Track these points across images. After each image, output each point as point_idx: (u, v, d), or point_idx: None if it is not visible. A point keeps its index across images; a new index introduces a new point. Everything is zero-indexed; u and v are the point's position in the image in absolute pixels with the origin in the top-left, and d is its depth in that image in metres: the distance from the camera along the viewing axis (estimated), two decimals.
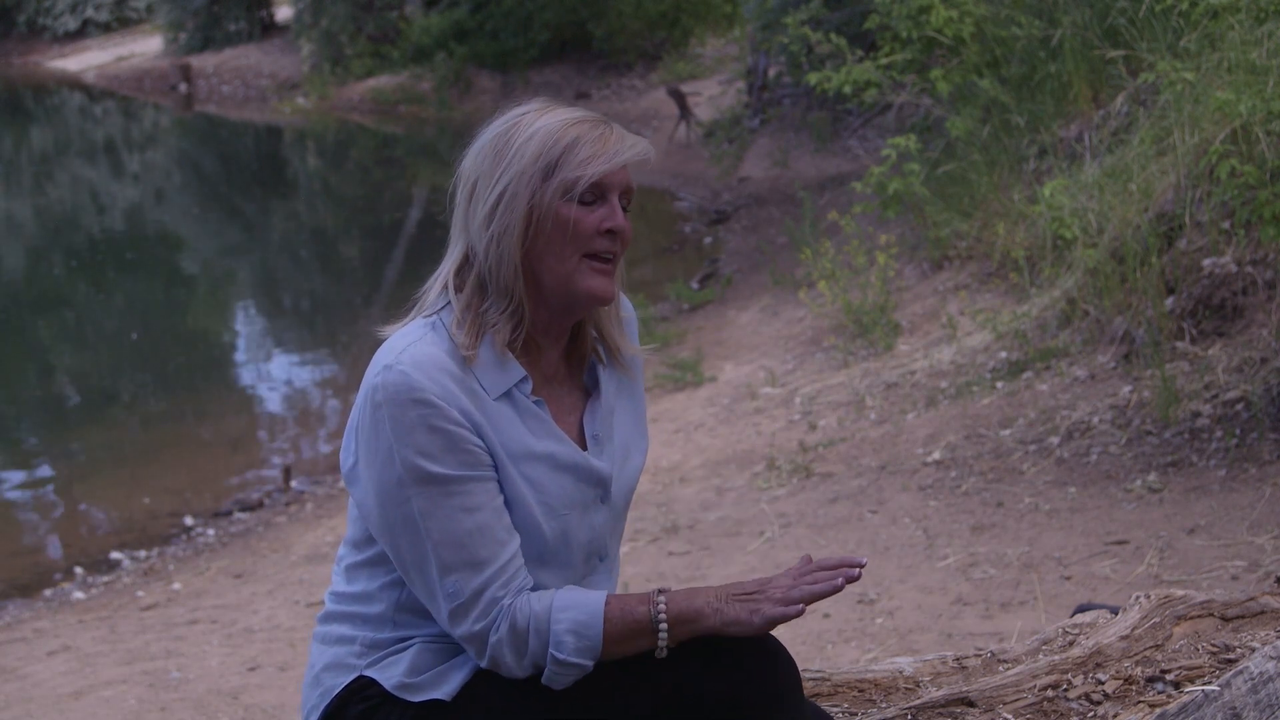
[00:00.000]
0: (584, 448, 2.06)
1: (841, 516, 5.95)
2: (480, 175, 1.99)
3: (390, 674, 1.99)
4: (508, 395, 1.98)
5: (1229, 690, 2.36)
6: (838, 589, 1.95)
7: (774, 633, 2.00)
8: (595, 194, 1.98)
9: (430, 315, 2.00)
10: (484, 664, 1.96)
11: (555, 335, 2.06)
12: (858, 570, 1.96)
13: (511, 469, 1.97)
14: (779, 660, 1.96)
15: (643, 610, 1.94)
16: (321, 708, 2.04)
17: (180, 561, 7.62)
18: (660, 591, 1.96)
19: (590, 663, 1.93)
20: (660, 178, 17.20)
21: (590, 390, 2.11)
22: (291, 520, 8.15)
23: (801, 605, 1.94)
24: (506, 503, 1.97)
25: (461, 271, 2.01)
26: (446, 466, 1.91)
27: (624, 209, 2.01)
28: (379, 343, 2.03)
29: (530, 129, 1.98)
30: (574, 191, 1.96)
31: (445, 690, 1.98)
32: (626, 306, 2.15)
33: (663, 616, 1.93)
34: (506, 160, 1.97)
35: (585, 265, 1.98)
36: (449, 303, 2.00)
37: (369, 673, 2.01)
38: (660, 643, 1.93)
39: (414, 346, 1.95)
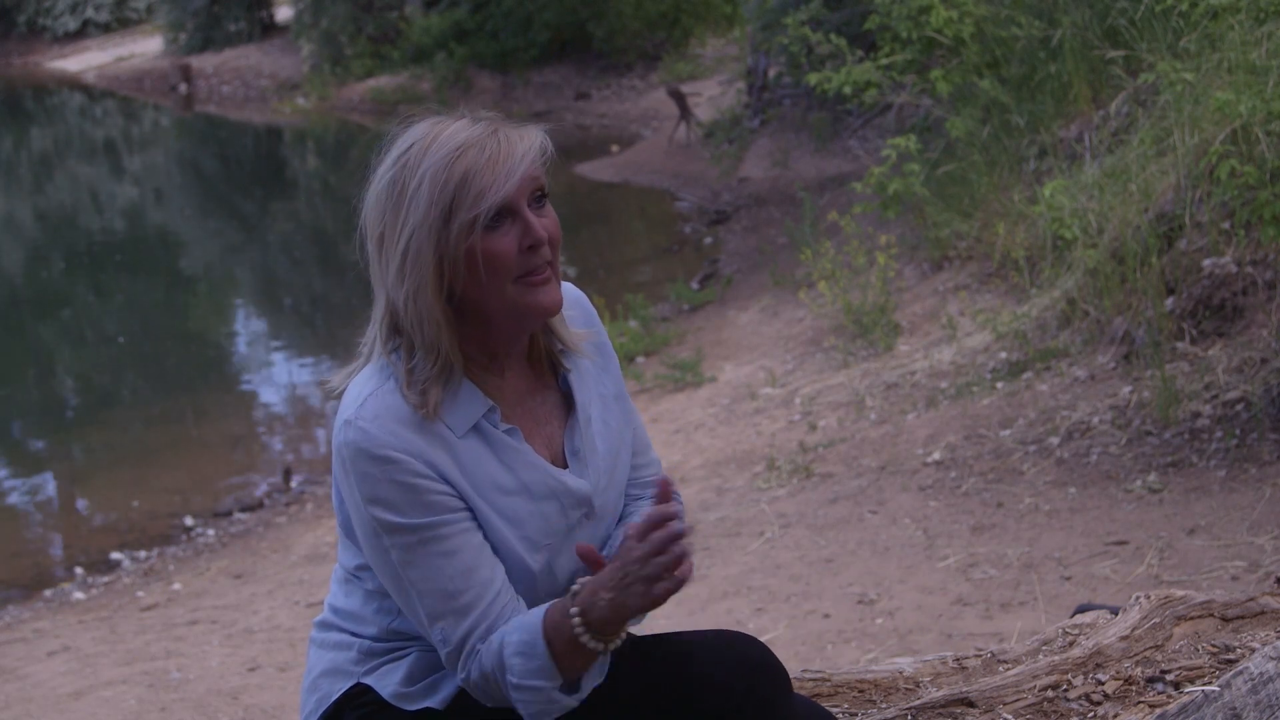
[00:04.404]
0: (565, 463, 2.02)
1: (841, 516, 5.95)
2: (384, 228, 1.90)
3: (387, 682, 1.99)
4: (475, 429, 1.93)
5: (1229, 691, 2.36)
6: (681, 560, 1.81)
7: (769, 639, 1.99)
8: (503, 214, 1.87)
9: (381, 360, 1.94)
10: (489, 704, 1.93)
11: (518, 349, 2.01)
12: (680, 526, 1.81)
13: (487, 509, 1.93)
14: (767, 669, 1.95)
15: (568, 624, 1.86)
16: (319, 713, 2.03)
17: (180, 562, 7.62)
18: (574, 593, 1.86)
19: (546, 683, 1.86)
20: (660, 178, 17.20)
21: (564, 392, 2.06)
22: (291, 520, 8.15)
23: (682, 577, 1.82)
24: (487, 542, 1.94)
25: (392, 323, 1.94)
26: (414, 516, 1.88)
27: (540, 202, 1.91)
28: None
29: (418, 173, 1.87)
30: (477, 227, 1.86)
31: (438, 699, 1.97)
32: (568, 293, 2.05)
33: (581, 629, 1.85)
34: (404, 212, 1.88)
35: (522, 286, 1.90)
36: (396, 349, 1.94)
37: (366, 680, 2.00)
38: (597, 650, 1.86)
39: (372, 398, 1.91)
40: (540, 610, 1.90)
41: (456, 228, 1.86)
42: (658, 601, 1.83)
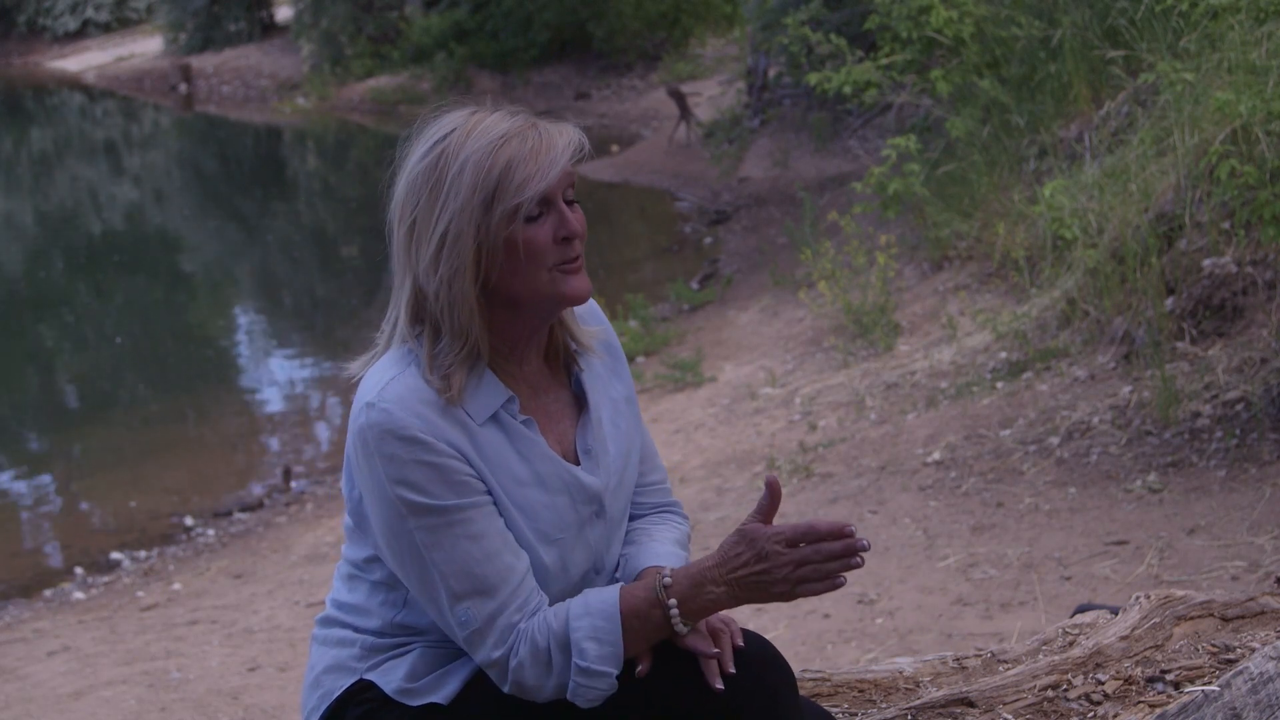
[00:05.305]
0: (577, 460, 2.04)
1: (841, 517, 5.94)
2: (418, 213, 1.92)
3: (391, 678, 1.99)
4: (494, 418, 1.95)
5: (1229, 690, 2.36)
6: (839, 585, 1.91)
7: (769, 639, 2.00)
8: (541, 206, 1.92)
9: (402, 347, 1.96)
10: (508, 689, 1.93)
11: (537, 341, 2.03)
12: (860, 557, 1.90)
13: (503, 496, 1.94)
14: (773, 665, 1.96)
15: (658, 614, 1.92)
16: (321, 710, 2.04)
17: (180, 561, 7.62)
18: (665, 586, 1.92)
19: (614, 670, 1.90)
20: (660, 178, 17.20)
21: (577, 395, 2.08)
22: (291, 520, 8.15)
23: (840, 580, 1.91)
24: None
25: (416, 310, 1.95)
26: (442, 498, 1.89)
27: (570, 200, 1.96)
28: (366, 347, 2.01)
29: (459, 159, 1.90)
30: (519, 216, 1.90)
31: (443, 694, 1.97)
32: None
33: (676, 614, 1.92)
34: (442, 197, 1.90)
35: (555, 274, 1.94)
36: (419, 335, 1.96)
37: (369, 676, 2.01)
38: (680, 633, 1.93)
39: (395, 382, 1.92)
40: (607, 595, 1.93)
41: (498, 215, 1.89)
42: (787, 599, 1.92)
